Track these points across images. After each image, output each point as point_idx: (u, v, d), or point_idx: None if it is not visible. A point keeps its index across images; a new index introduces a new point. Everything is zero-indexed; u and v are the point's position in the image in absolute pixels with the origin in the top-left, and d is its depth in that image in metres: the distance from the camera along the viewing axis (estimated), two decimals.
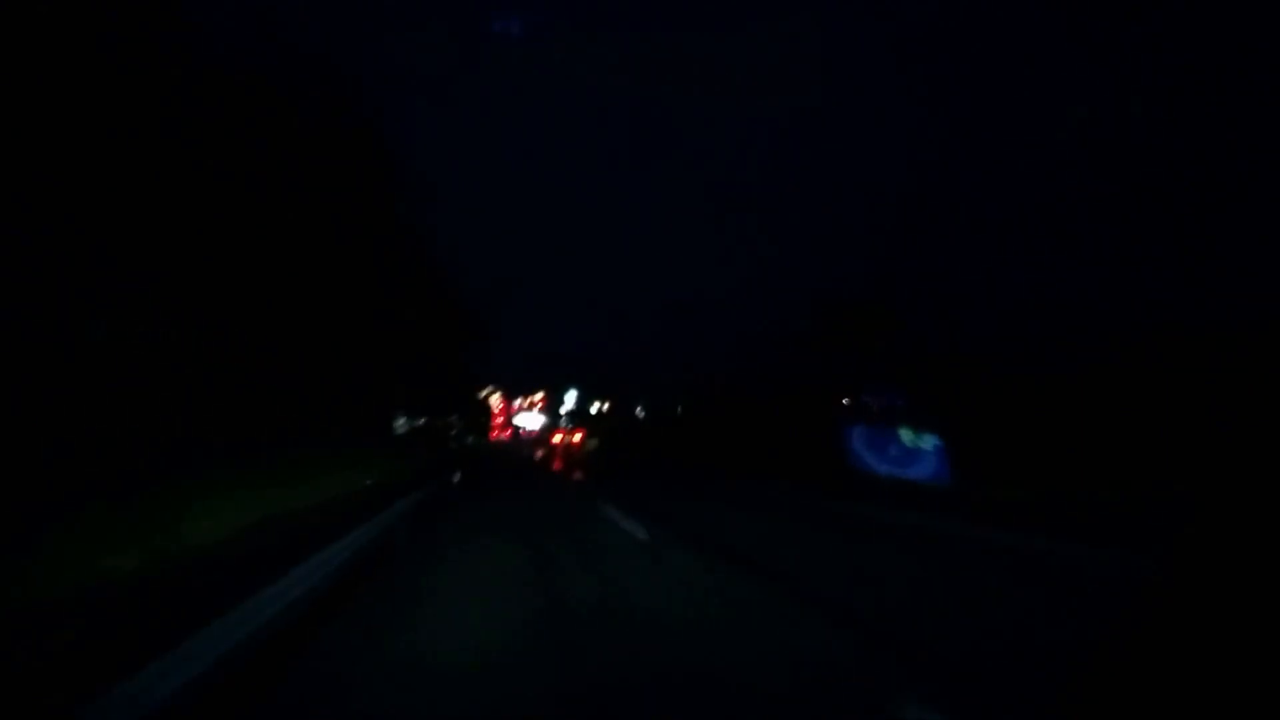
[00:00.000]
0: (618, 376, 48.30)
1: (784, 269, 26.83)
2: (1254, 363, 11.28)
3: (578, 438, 40.27)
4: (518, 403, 70.29)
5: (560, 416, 61.68)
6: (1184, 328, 12.24)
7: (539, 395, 70.30)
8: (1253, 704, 2.74)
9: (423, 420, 37.54)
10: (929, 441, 14.64)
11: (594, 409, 58.24)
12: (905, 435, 15.12)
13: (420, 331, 22.66)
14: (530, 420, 64.87)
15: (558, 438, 45.01)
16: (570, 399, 64.39)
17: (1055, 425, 13.28)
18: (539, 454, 35.02)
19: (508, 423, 64.02)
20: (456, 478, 16.58)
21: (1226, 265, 12.26)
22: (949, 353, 16.28)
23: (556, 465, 24.85)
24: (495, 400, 61.16)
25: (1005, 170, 16.24)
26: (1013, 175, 16.09)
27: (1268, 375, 10.90)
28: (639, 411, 43.04)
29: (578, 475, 18.39)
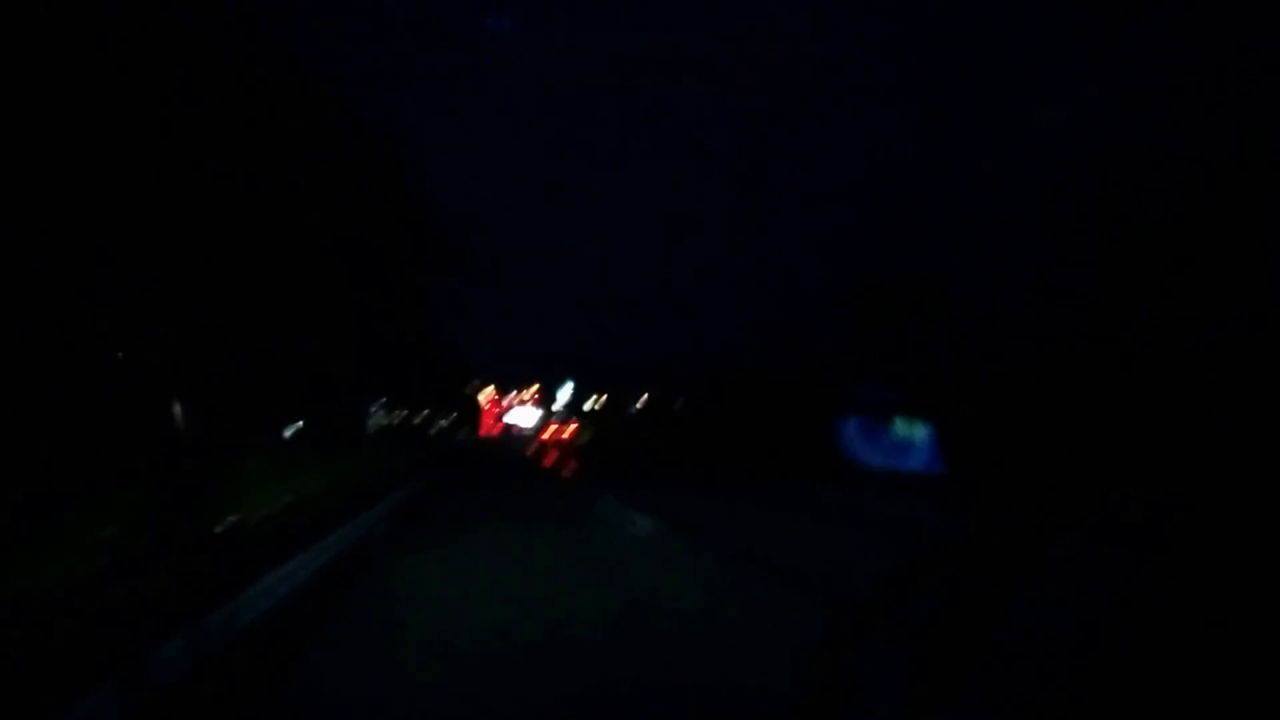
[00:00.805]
0: (615, 370, 48.39)
1: (782, 266, 26.94)
2: (1251, 362, 11.43)
3: (568, 432, 40.40)
4: (510, 398, 70.30)
5: (554, 411, 61.63)
6: (1181, 327, 12.39)
7: (532, 389, 70.31)
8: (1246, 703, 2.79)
9: (422, 415, 37.27)
10: (921, 433, 14.83)
11: (589, 404, 58.31)
12: (897, 427, 15.30)
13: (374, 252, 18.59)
14: (522, 416, 64.93)
15: (549, 432, 45.13)
16: (565, 393, 64.40)
17: (1052, 420, 13.44)
18: (530, 450, 35.03)
19: (499, 418, 64.07)
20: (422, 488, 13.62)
21: (1226, 265, 12.38)
22: (945, 347, 16.45)
23: (547, 462, 24.89)
24: (488, 394, 61.11)
25: (1003, 167, 16.34)
26: (1010, 172, 16.21)
27: (1265, 374, 11.06)
28: (639, 405, 43.10)
29: (570, 470, 18.50)
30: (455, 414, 42.74)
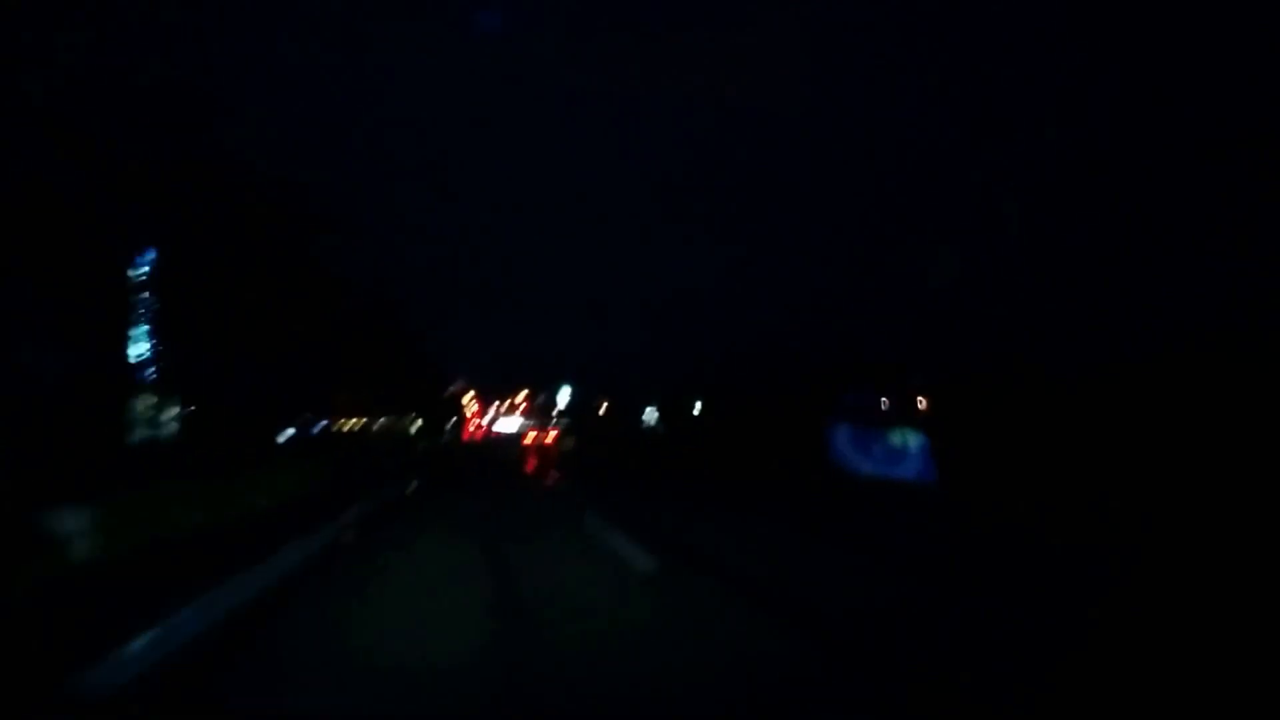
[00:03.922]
0: (609, 376, 48.68)
1: (773, 269, 27.21)
2: (1249, 368, 11.62)
3: (550, 437, 40.63)
4: (495, 407, 70.57)
5: (552, 417, 61.53)
6: (1181, 333, 12.58)
7: (521, 395, 70.46)
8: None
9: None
10: (914, 441, 15.00)
11: (590, 409, 58.46)
12: (890, 435, 15.47)
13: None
14: (508, 424, 65.12)
15: (530, 437, 45.43)
16: (564, 397, 64.41)
17: (1046, 427, 13.62)
18: (519, 456, 35.12)
19: (481, 424, 64.52)
20: None
21: (1224, 269, 12.58)
22: (938, 352, 16.66)
23: (529, 466, 25.07)
24: (470, 399, 61.41)
25: (1002, 169, 16.59)
26: (1009, 174, 16.46)
27: (1261, 381, 11.24)
28: (649, 414, 43.42)
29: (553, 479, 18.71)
30: (421, 420, 42.30)
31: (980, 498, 12.19)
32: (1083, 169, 14.05)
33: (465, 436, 55.42)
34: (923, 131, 18.42)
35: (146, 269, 12.49)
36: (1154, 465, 10.94)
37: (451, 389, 52.61)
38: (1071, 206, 14.40)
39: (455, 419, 55.25)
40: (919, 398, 17.96)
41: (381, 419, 36.71)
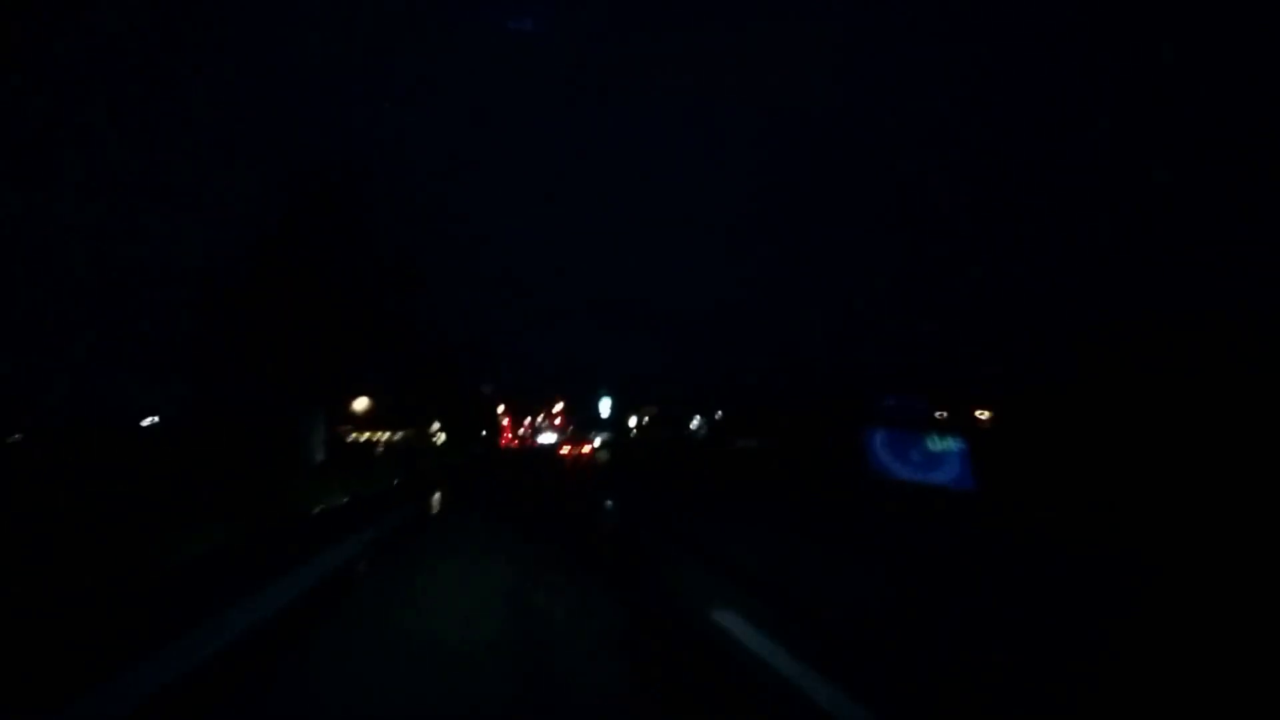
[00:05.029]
0: (652, 386, 49.33)
1: (803, 278, 27.46)
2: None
3: (586, 449, 41.34)
4: (528, 421, 71.82)
5: (590, 429, 62.25)
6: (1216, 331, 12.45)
7: (557, 407, 71.42)
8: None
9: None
10: (952, 446, 15.01)
11: (633, 420, 59.06)
12: (927, 440, 15.51)
13: None
14: (544, 436, 66.23)
15: (566, 449, 46.21)
16: (604, 408, 65.10)
17: (1082, 433, 13.59)
18: (554, 469, 35.72)
19: (515, 435, 66.09)
20: None
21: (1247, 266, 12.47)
22: (973, 357, 16.68)
23: (563, 478, 25.64)
24: (503, 412, 62.83)
25: (1021, 176, 16.63)
26: (1031, 181, 16.49)
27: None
28: (696, 424, 43.87)
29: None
30: (444, 434, 43.06)
31: (1018, 503, 12.18)
32: (1104, 173, 14.07)
33: (502, 444, 57.03)
34: (962, 137, 18.54)
35: None
36: (1202, 475, 10.82)
37: (485, 400, 53.88)
38: (1114, 209, 14.38)
39: (487, 432, 56.56)
40: (976, 409, 17.91)
41: (392, 434, 36.72)
